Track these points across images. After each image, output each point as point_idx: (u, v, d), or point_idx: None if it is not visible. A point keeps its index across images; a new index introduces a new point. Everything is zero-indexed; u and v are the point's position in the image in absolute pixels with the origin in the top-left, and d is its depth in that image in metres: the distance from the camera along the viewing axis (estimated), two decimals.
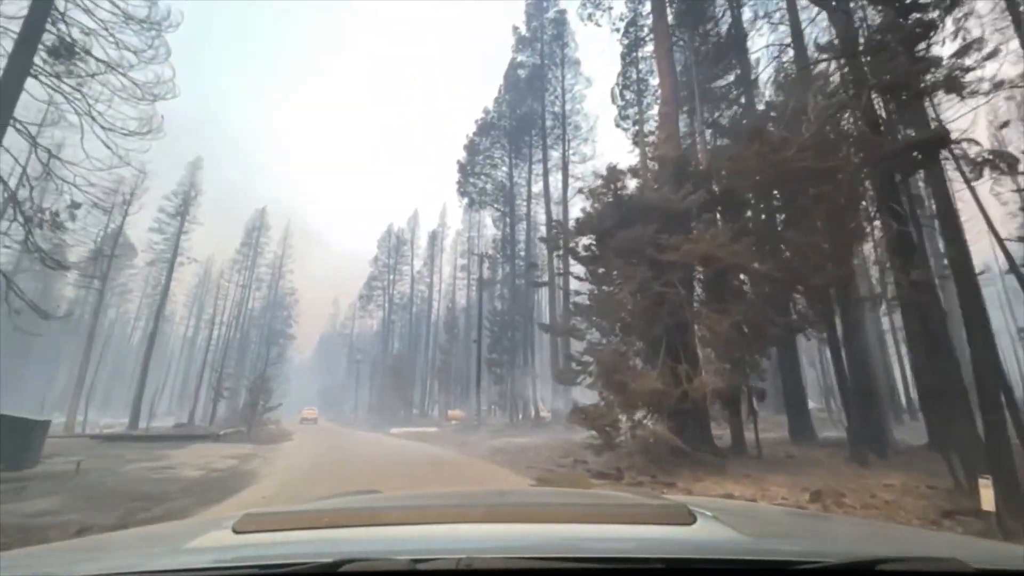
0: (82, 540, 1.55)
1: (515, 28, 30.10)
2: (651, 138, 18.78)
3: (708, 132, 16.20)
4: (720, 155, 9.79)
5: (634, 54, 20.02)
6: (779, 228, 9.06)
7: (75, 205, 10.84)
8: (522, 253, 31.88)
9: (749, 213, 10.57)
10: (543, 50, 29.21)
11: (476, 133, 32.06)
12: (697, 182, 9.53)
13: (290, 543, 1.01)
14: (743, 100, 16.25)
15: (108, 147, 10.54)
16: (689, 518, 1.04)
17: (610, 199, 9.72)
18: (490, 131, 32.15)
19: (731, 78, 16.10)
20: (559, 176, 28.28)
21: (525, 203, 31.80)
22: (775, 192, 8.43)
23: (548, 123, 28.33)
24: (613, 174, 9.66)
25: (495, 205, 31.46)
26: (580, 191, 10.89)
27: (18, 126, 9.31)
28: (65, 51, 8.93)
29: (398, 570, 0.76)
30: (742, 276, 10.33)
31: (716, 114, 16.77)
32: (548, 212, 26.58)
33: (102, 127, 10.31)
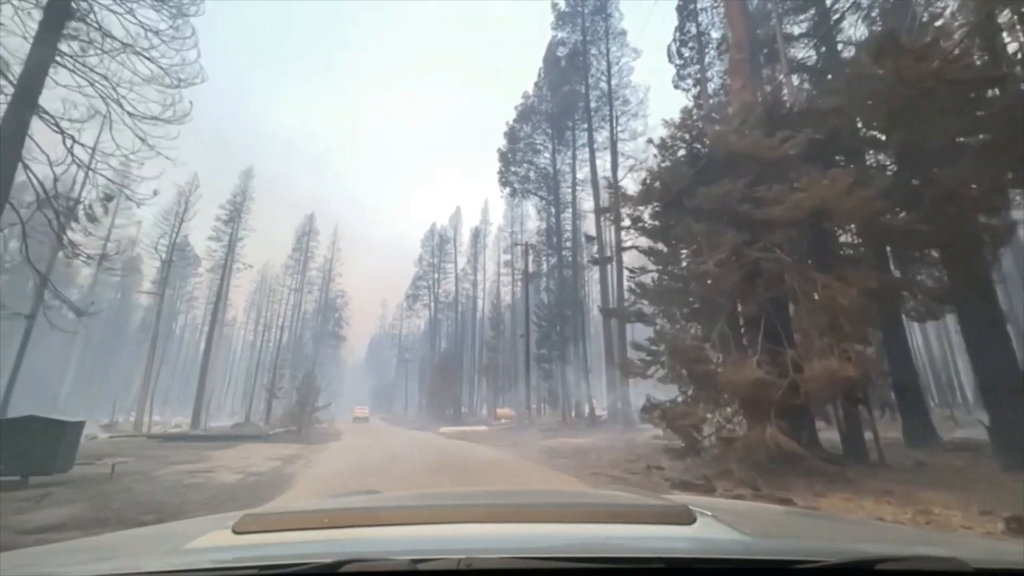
0: (82, 540, 1.41)
1: (554, 4, 28.44)
2: (715, 100, 16.66)
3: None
4: (826, 90, 7.84)
5: (692, 5, 17.83)
6: (914, 170, 7.04)
7: (108, 197, 10.49)
8: (568, 243, 30.20)
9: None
10: (584, 25, 27.36)
11: (516, 120, 30.70)
12: (795, 125, 7.67)
13: (290, 543, 1.01)
14: (823, 46, 13.91)
15: (136, 134, 10.09)
16: (689, 518, 1.03)
17: (683, 152, 8.04)
18: (531, 117, 30.66)
19: (809, 15, 13.76)
20: (607, 160, 26.41)
21: (570, 190, 30.09)
22: (910, 121, 6.46)
23: (592, 103, 26.46)
24: (688, 119, 7.96)
25: (538, 193, 29.91)
26: (649, 142, 9.21)
27: (42, 114, 8.92)
28: (66, 11, 8.43)
29: (398, 570, 0.75)
30: (850, 236, 8.36)
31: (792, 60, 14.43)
32: (596, 192, 24.66)
33: (128, 113, 9.84)
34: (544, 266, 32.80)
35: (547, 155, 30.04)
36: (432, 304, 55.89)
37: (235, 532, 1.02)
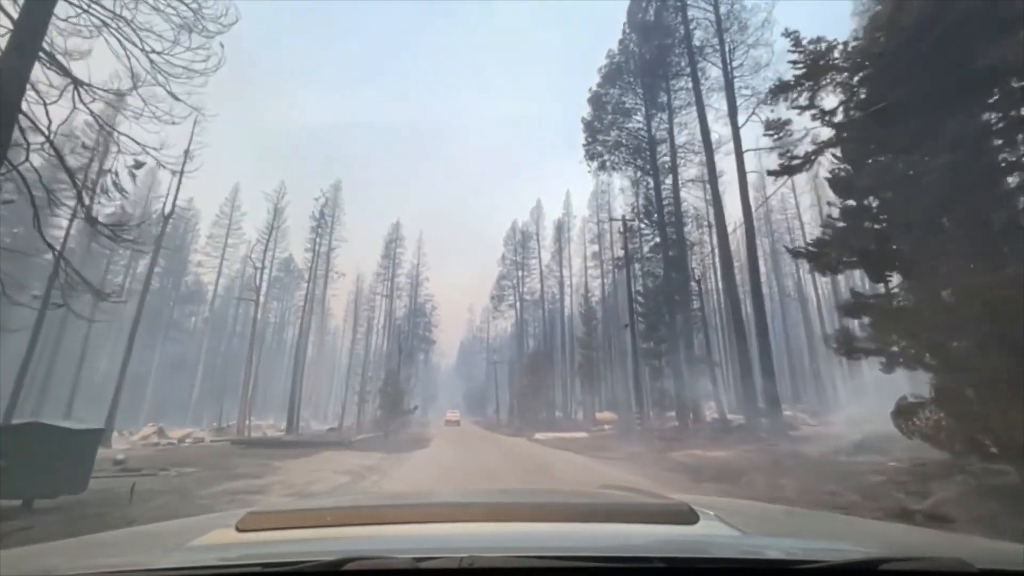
0: (84, 539, 1.30)
1: None
2: None
3: None
4: None
5: None
6: None
7: (138, 165, 9.07)
8: (671, 218, 25.70)
9: None
10: None
11: (600, 83, 26.96)
12: None
13: (293, 541, 1.00)
14: None
15: (160, 84, 8.46)
16: (692, 517, 1.02)
17: None
18: (618, 78, 26.76)
19: None
20: (720, 105, 21.74)
21: (668, 158, 25.59)
22: None
23: (696, 42, 21.90)
24: None
25: (634, 161, 25.81)
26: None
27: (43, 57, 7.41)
28: None
29: (401, 568, 0.74)
30: None
31: None
32: (706, 140, 20.05)
33: (147, 55, 8.18)
34: (640, 249, 28.53)
35: (639, 117, 25.88)
36: (518, 303, 53.65)
37: (239, 530, 1.02)
